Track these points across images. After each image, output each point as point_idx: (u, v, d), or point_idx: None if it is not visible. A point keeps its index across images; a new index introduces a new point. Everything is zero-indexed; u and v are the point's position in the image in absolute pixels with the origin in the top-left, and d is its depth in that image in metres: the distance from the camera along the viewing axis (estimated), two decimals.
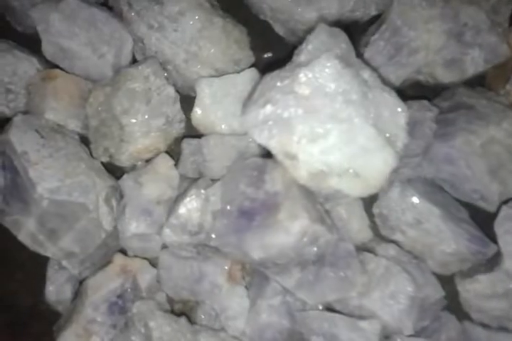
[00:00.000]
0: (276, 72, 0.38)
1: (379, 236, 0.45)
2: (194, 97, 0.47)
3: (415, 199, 0.43)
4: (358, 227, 0.45)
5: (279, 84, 0.37)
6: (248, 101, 0.38)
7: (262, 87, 0.37)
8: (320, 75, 0.36)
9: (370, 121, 0.35)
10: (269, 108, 0.36)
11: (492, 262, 0.42)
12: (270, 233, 0.36)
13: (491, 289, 0.41)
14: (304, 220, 0.36)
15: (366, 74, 0.37)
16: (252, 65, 0.50)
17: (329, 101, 0.35)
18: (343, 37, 0.37)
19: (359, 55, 0.44)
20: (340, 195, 0.38)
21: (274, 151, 0.37)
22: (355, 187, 0.37)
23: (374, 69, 0.38)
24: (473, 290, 0.42)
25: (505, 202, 0.43)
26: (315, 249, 0.37)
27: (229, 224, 0.38)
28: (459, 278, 0.44)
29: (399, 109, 0.37)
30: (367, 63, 0.45)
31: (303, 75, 0.36)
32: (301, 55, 0.37)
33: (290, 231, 0.35)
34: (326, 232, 0.37)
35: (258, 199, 0.38)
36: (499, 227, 0.41)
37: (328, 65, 0.35)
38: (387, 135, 0.36)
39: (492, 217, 0.44)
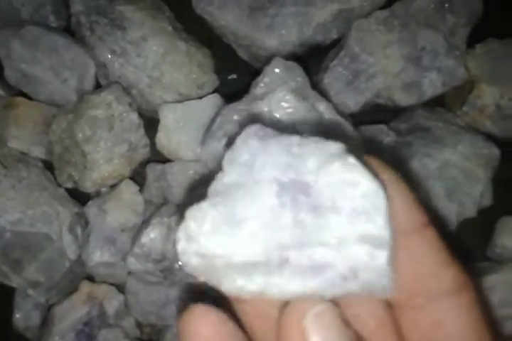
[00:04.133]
0: (233, 105, 0.39)
1: None
2: (159, 121, 0.47)
3: None
4: None
5: (236, 117, 0.37)
6: (207, 134, 0.39)
7: (220, 119, 0.38)
8: (275, 109, 0.36)
9: None
10: (226, 141, 0.37)
11: None
12: None
13: None
14: None
15: (322, 106, 0.38)
16: (216, 88, 0.51)
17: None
18: (298, 70, 0.38)
19: (317, 83, 0.45)
20: None
21: None
22: None
23: (330, 99, 0.39)
24: None
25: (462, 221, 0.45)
26: None
27: None
28: None
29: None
30: (325, 90, 0.46)
31: (259, 109, 0.37)
32: (258, 88, 0.38)
33: None
34: None
35: None
36: None
37: (284, 99, 0.36)
38: None
39: (450, 235, 0.45)
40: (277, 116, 0.37)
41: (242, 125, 0.37)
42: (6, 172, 0.44)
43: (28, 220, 0.42)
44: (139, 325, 0.46)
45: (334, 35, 0.50)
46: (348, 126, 0.38)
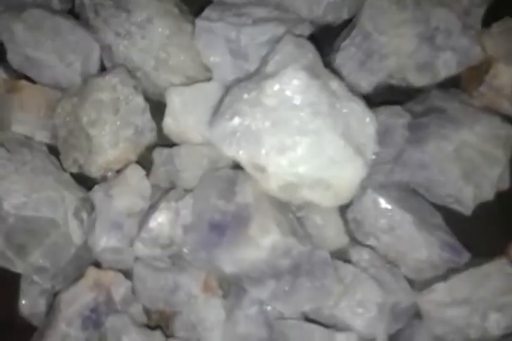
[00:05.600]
0: (243, 84, 0.37)
1: (354, 240, 0.45)
2: (165, 104, 0.46)
3: (388, 206, 0.42)
4: (333, 233, 0.44)
5: (246, 96, 0.36)
6: (215, 114, 0.37)
7: (229, 98, 0.37)
8: (287, 87, 0.35)
9: (338, 132, 0.35)
10: (236, 120, 0.36)
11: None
12: (241, 248, 0.36)
13: (450, 297, 0.41)
14: (275, 235, 0.35)
15: (334, 84, 0.37)
16: None
17: (297, 113, 0.35)
18: (309, 47, 0.37)
19: (329, 63, 0.44)
20: (311, 205, 0.38)
21: (243, 163, 0.36)
22: (326, 197, 0.36)
23: (342, 79, 0.38)
24: (432, 301, 0.42)
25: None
26: (288, 261, 0.37)
27: (200, 238, 0.37)
28: (416, 289, 0.43)
29: (367, 119, 0.36)
30: (337, 70, 0.45)
31: (270, 87, 0.35)
32: (268, 66, 0.37)
33: (261, 246, 0.35)
34: (298, 244, 0.37)
35: (229, 212, 0.37)
36: None
37: (296, 76, 0.35)
38: (356, 145, 0.36)
39: (466, 219, 0.44)
40: (289, 93, 0.35)
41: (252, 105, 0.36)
42: (9, 156, 0.43)
43: (32, 204, 0.41)
44: (147, 311, 0.45)
45: (345, 16, 0.48)
46: (361, 105, 0.37)
